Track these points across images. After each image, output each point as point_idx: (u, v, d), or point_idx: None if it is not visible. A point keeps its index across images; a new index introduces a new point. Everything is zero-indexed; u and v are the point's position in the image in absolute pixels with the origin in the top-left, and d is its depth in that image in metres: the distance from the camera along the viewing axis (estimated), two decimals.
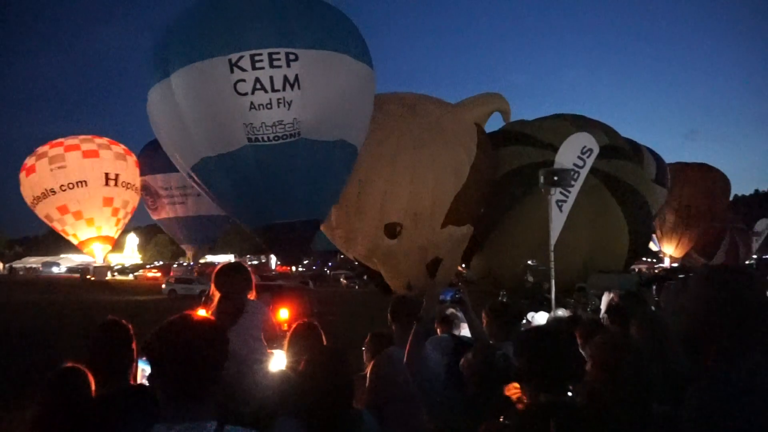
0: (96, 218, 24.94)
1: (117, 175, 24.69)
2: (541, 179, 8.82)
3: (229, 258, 54.60)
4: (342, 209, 11.52)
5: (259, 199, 10.10)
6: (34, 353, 8.36)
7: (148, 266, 50.90)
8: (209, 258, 46.97)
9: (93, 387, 1.95)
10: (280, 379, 2.48)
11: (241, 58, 9.25)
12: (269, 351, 2.99)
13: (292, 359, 2.73)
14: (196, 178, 10.57)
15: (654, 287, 9.12)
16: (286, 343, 2.90)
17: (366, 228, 11.59)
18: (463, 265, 14.66)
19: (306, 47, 9.48)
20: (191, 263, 34.33)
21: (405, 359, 2.67)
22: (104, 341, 2.11)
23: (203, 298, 3.43)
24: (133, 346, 2.17)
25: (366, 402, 2.61)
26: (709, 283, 2.17)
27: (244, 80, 9.32)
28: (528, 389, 1.81)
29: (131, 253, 63.02)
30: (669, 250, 24.23)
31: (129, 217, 26.54)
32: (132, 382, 2.19)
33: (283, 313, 7.40)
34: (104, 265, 36.13)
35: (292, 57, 9.38)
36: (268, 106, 9.42)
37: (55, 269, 56.60)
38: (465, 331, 3.58)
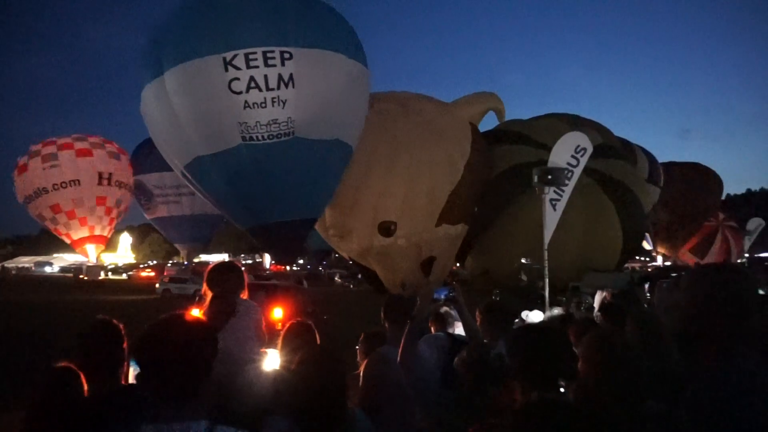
0: (89, 217, 24.80)
1: (110, 174, 24.55)
2: (535, 178, 8.85)
3: (224, 257, 54.44)
4: (336, 208, 11.50)
5: (253, 198, 10.07)
6: (27, 353, 8.32)
7: (141, 266, 50.70)
8: (203, 257, 46.80)
9: (84, 387, 1.93)
10: (273, 379, 2.48)
11: (235, 56, 9.21)
12: (263, 350, 2.98)
13: (286, 359, 2.72)
14: (189, 177, 10.52)
15: (647, 286, 9.18)
16: (279, 342, 2.90)
17: (360, 226, 11.58)
18: (458, 264, 14.69)
19: (301, 46, 9.45)
20: (185, 262, 34.20)
21: (399, 358, 2.67)
22: (95, 341, 2.10)
23: (197, 298, 3.42)
24: (125, 346, 2.16)
25: (359, 401, 2.61)
26: (703, 281, 2.18)
27: (238, 79, 9.28)
28: (520, 387, 1.81)
29: (125, 252, 62.75)
30: (662, 249, 24.38)
31: (122, 216, 26.41)
32: (123, 383, 2.18)
33: (278, 313, 7.39)
34: (97, 264, 35.97)
35: (286, 56, 9.35)
36: (263, 104, 9.38)
37: (47, 269, 56.25)
38: (459, 329, 3.58)
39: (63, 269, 52.46)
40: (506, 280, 11.52)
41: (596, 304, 5.24)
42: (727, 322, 2.52)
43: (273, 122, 9.46)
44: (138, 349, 1.32)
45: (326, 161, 10.11)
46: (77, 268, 41.34)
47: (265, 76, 9.30)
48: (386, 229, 11.30)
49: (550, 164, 9.46)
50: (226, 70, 9.23)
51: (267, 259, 42.19)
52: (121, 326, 2.19)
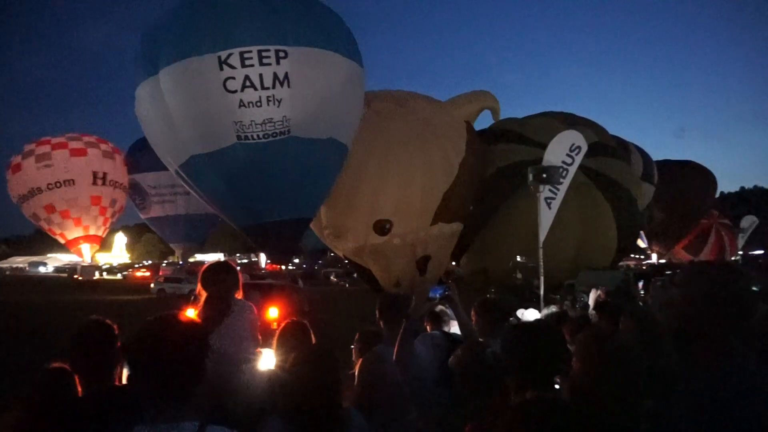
0: (83, 217, 24.65)
1: (105, 174, 24.41)
2: (530, 177, 8.88)
3: (219, 257, 54.35)
4: (331, 207, 11.48)
5: (248, 197, 10.04)
6: (19, 353, 8.28)
7: (136, 265, 50.55)
8: (198, 257, 46.71)
9: (78, 387, 1.93)
10: (268, 379, 2.47)
11: (230, 55, 9.16)
12: (258, 350, 2.97)
13: (281, 358, 2.72)
14: (184, 176, 10.48)
15: (641, 283, 9.22)
16: (274, 342, 2.89)
17: (355, 225, 11.56)
18: (453, 263, 14.70)
19: (296, 45, 9.42)
20: (180, 262, 34.11)
21: (394, 357, 2.67)
22: (88, 341, 2.09)
23: (192, 298, 3.41)
24: (118, 346, 2.15)
25: (355, 400, 2.61)
26: (699, 279, 2.19)
27: (233, 78, 9.23)
28: (515, 386, 1.81)
29: (119, 252, 62.55)
30: (657, 247, 24.47)
31: (117, 216, 26.27)
32: (117, 383, 2.17)
33: (273, 312, 7.38)
34: (92, 264, 35.81)
35: (281, 54, 9.32)
36: (258, 103, 9.35)
37: (42, 269, 56.00)
38: (454, 328, 3.59)
39: (57, 269, 52.26)
40: (502, 279, 11.53)
41: (591, 302, 5.27)
42: (723, 320, 2.53)
43: (268, 121, 9.43)
44: (128, 349, 1.32)
45: (322, 160, 10.09)
46: (72, 268, 41.18)
47: (260, 75, 9.27)
48: (381, 227, 11.28)
49: (545, 163, 9.49)
50: (221, 68, 9.19)
51: (262, 259, 42.13)
52: (114, 326, 2.18)
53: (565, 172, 9.61)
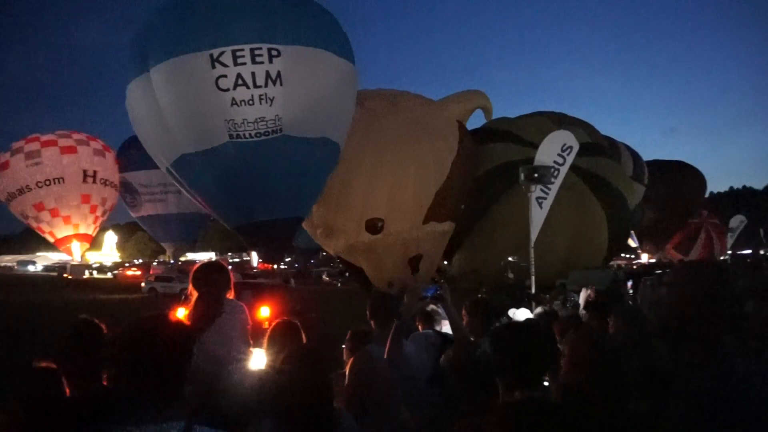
0: (73, 216, 24.42)
1: (95, 172, 24.18)
2: (522, 176, 8.92)
3: (210, 256, 54.13)
4: (324, 205, 11.46)
5: (240, 196, 10.00)
6: (9, 353, 8.19)
7: (127, 264, 50.22)
8: (190, 256, 46.47)
9: (66, 388, 1.91)
10: (259, 378, 2.47)
11: (222, 53, 9.11)
12: (249, 350, 2.97)
13: (272, 358, 2.72)
14: (175, 174, 10.41)
15: (630, 283, 9.28)
16: (265, 341, 2.89)
17: (347, 224, 11.54)
18: (445, 262, 14.72)
19: (289, 43, 9.38)
20: (171, 261, 33.92)
21: (386, 356, 2.67)
22: (76, 341, 2.07)
23: (183, 297, 3.40)
24: (106, 345, 2.14)
25: (345, 400, 2.61)
26: (688, 278, 2.22)
27: (225, 76, 9.18)
28: (503, 385, 1.82)
29: (110, 251, 62.05)
30: (647, 246, 24.65)
31: (107, 214, 26.06)
32: (105, 383, 2.16)
33: (264, 312, 7.36)
34: (82, 263, 35.53)
35: (274, 53, 9.28)
36: (250, 102, 9.30)
37: (31, 267, 55.49)
38: (446, 327, 3.60)
39: (47, 268, 51.82)
40: (494, 278, 11.57)
41: (581, 302, 5.30)
42: (712, 319, 2.56)
43: (260, 120, 9.39)
44: (114, 349, 1.31)
45: (314, 159, 10.07)
46: (61, 267, 40.83)
47: (253, 74, 9.22)
48: (374, 226, 11.28)
49: (536, 162, 9.54)
50: (213, 67, 9.14)
51: (254, 258, 42.02)
52: (103, 326, 2.17)
53: (556, 171, 9.67)
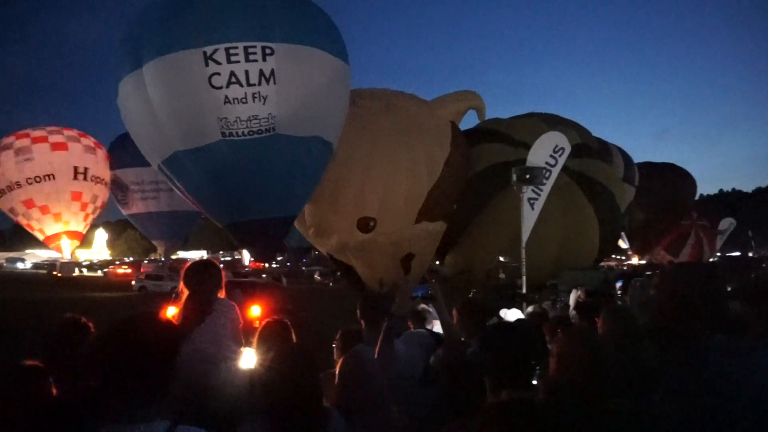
0: (63, 213, 24.19)
1: (86, 169, 23.96)
2: (514, 177, 8.97)
3: (202, 254, 53.88)
4: (315, 204, 11.44)
5: (232, 194, 9.96)
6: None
7: (117, 262, 49.87)
8: (181, 254, 46.24)
9: (52, 387, 1.90)
10: (249, 377, 2.47)
11: (216, 51, 9.07)
12: (239, 349, 2.96)
13: (262, 357, 2.72)
14: (167, 172, 10.35)
15: (619, 284, 9.35)
16: (255, 340, 2.89)
17: (339, 222, 11.53)
18: (437, 262, 14.75)
19: (282, 42, 9.35)
20: (162, 259, 33.74)
21: (376, 356, 2.67)
22: (63, 340, 2.06)
23: (173, 295, 3.39)
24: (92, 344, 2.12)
25: (335, 399, 2.61)
26: (677, 280, 2.25)
27: (218, 74, 9.14)
28: (492, 385, 1.83)
29: (100, 249, 61.62)
30: (637, 248, 24.81)
31: (98, 212, 25.84)
32: (92, 382, 2.14)
33: (255, 310, 7.34)
34: (72, 261, 35.22)
35: (268, 51, 9.25)
36: (243, 100, 9.27)
37: (20, 265, 54.92)
38: (437, 326, 3.61)
39: (36, 265, 51.32)
40: (485, 279, 11.61)
41: (571, 302, 5.33)
42: (699, 320, 2.59)
43: (253, 118, 9.36)
44: (99, 349, 1.31)
45: (307, 158, 10.05)
46: (51, 265, 40.45)
47: (246, 72, 9.19)
48: (365, 225, 11.28)
49: (528, 163, 9.59)
50: (207, 64, 9.09)
51: (246, 257, 41.89)
52: (90, 325, 2.15)
53: (548, 173, 9.73)
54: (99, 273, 43.28)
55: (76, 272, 39.61)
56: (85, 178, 23.82)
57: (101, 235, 62.66)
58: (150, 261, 42.85)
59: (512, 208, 10.11)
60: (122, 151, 22.49)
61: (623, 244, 23.53)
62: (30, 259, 56.88)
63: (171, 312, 3.09)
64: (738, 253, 42.08)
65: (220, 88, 9.13)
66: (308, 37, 9.66)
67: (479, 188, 12.91)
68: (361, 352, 2.80)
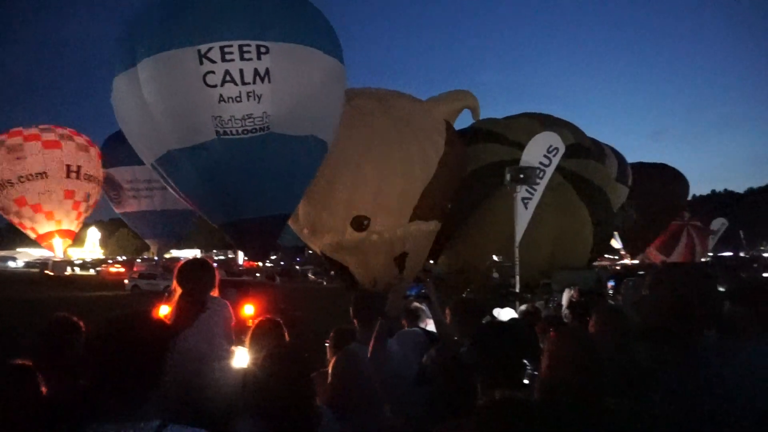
0: (56, 211, 24.04)
1: (79, 167, 23.82)
2: (507, 177, 8.99)
3: (195, 253, 53.68)
4: (309, 202, 11.42)
5: (226, 193, 9.92)
6: None
7: (110, 261, 49.62)
8: (174, 253, 46.05)
9: (42, 386, 1.88)
10: (242, 377, 2.46)
11: (210, 49, 9.02)
12: (231, 348, 2.96)
13: (255, 356, 2.71)
14: (160, 171, 10.30)
15: (611, 283, 9.41)
16: (248, 339, 2.88)
17: (333, 221, 11.52)
18: (431, 261, 14.76)
19: (277, 40, 9.32)
20: (156, 258, 33.59)
21: (369, 355, 2.67)
22: (52, 339, 2.04)
23: (166, 294, 3.38)
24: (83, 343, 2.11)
25: (327, 399, 2.61)
26: (670, 280, 2.26)
27: (213, 72, 9.10)
28: (484, 384, 1.83)
29: (92, 247, 61.27)
30: (630, 247, 24.94)
31: (91, 210, 25.70)
32: (82, 381, 2.13)
33: (249, 309, 7.34)
34: (64, 259, 34.99)
35: (263, 50, 9.21)
36: (238, 99, 9.23)
37: (11, 264, 54.54)
38: (431, 325, 3.61)
39: (28, 264, 50.98)
40: (479, 278, 11.63)
41: (564, 302, 5.36)
42: (692, 319, 2.61)
43: (248, 117, 9.32)
44: (89, 347, 1.30)
45: (301, 157, 10.03)
46: (43, 264, 40.20)
47: (241, 70, 9.15)
48: (359, 223, 11.27)
49: (522, 163, 9.62)
50: (201, 62, 9.05)
51: (240, 256, 41.78)
52: (81, 323, 2.14)
53: (542, 173, 9.76)
54: (91, 272, 43.03)
55: (68, 271, 39.34)
56: (77, 177, 23.68)
57: (94, 234, 62.30)
58: (143, 260, 42.65)
59: (506, 207, 10.14)
60: (115, 150, 22.37)
61: (616, 244, 23.64)
62: (22, 257, 56.51)
63: (164, 311, 3.07)
64: (730, 253, 42.42)
65: (215, 86, 9.10)
66: (303, 36, 9.64)
67: (473, 188, 12.93)
68: (354, 351, 2.80)
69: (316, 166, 10.61)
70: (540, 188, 9.59)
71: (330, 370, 2.80)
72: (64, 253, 29.66)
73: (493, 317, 5.17)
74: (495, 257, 10.26)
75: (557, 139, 10.19)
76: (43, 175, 22.87)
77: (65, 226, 24.77)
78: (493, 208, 12.41)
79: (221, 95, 9.18)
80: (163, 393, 1.36)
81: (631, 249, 24.95)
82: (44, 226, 24.30)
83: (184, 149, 9.57)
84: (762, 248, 62.87)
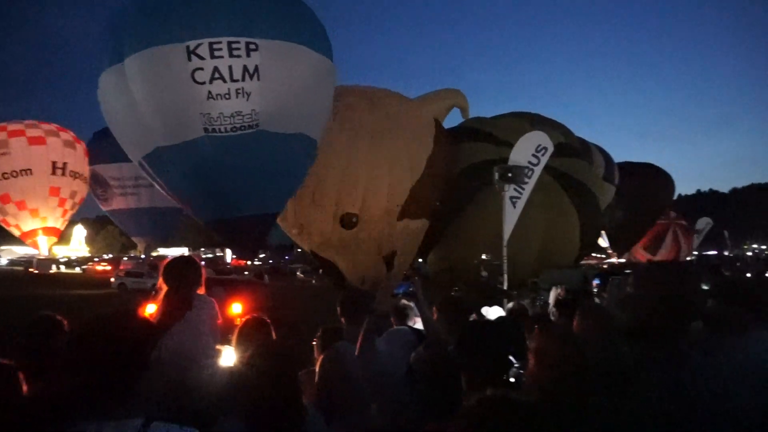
0: (41, 209, 23.71)
1: (65, 164, 23.49)
2: (496, 176, 9.03)
3: (183, 251, 53.28)
4: (297, 200, 11.39)
5: (214, 191, 9.86)
6: None
7: (96, 259, 49.13)
8: (161, 251, 45.68)
9: (23, 386, 1.86)
10: (229, 375, 2.46)
11: (199, 45, 8.95)
12: (218, 347, 2.95)
13: (241, 354, 2.70)
14: (148, 168, 10.21)
15: (596, 282, 9.50)
16: (234, 338, 2.87)
17: (321, 218, 11.51)
18: (420, 260, 14.80)
19: (267, 38, 9.27)
20: (142, 256, 33.28)
21: (356, 353, 2.68)
22: (35, 337, 2.02)
23: (153, 293, 3.36)
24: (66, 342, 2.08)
25: (315, 397, 2.61)
26: (654, 279, 2.29)
27: (202, 69, 9.02)
28: (469, 382, 1.83)
29: (78, 245, 60.59)
30: (617, 246, 25.19)
31: (77, 208, 25.38)
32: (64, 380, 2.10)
33: (236, 308, 7.30)
34: (49, 257, 34.58)
35: (252, 47, 9.16)
36: (227, 96, 9.16)
37: None
38: (419, 323, 3.62)
39: (12, 262, 50.34)
40: (468, 276, 11.68)
41: (551, 300, 5.40)
42: (674, 318, 2.64)
43: (237, 114, 9.27)
44: (72, 345, 1.29)
45: (290, 155, 9.99)
46: (27, 261, 39.71)
47: (230, 67, 9.09)
48: (348, 221, 11.27)
49: (510, 162, 9.67)
50: (189, 59, 8.97)
51: (228, 254, 41.57)
52: (64, 322, 2.12)
53: (530, 172, 9.82)
54: (77, 270, 42.56)
55: (54, 269, 38.90)
56: (63, 174, 23.36)
57: (80, 232, 61.60)
58: (130, 258, 42.26)
59: (495, 206, 10.19)
60: (102, 146, 22.08)
61: (603, 242, 23.87)
62: (6, 255, 55.77)
63: (150, 309, 3.05)
64: (715, 252, 43.02)
65: (203, 83, 9.03)
66: (293, 33, 9.60)
67: (462, 186, 12.97)
68: (341, 350, 2.80)
69: (305, 164, 10.58)
70: (528, 187, 9.65)
71: (317, 369, 2.80)
72: (49, 250, 29.28)
73: (482, 316, 5.20)
74: (483, 256, 10.31)
75: (546, 138, 10.26)
76: (27, 171, 22.54)
77: (50, 223, 24.44)
78: (481, 207, 12.46)
79: (210, 92, 9.11)
80: (148, 391, 1.36)
81: (618, 248, 25.20)
82: (29, 224, 23.95)
83: (172, 146, 9.49)
84: (745, 247, 63.90)
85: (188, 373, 2.54)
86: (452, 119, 15.21)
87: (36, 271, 35.42)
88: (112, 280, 28.58)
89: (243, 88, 9.29)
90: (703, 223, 29.69)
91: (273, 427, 1.81)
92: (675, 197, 27.91)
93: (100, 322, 1.31)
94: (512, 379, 1.97)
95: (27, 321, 2.09)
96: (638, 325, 2.81)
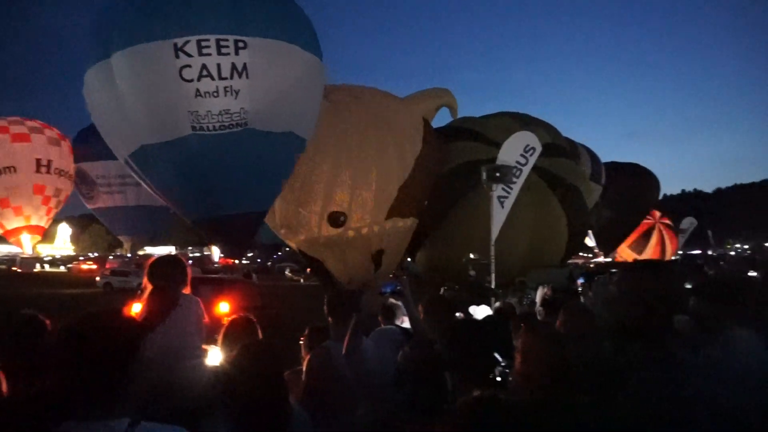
0: (25, 207, 23.40)
1: (49, 162, 23.21)
2: (484, 175, 9.07)
3: (170, 250, 52.91)
4: (285, 198, 11.36)
5: (201, 189, 9.79)
6: None
7: (81, 258, 48.56)
8: (148, 250, 45.25)
9: (4, 385, 1.84)
10: (215, 374, 2.45)
11: (187, 42, 8.87)
12: (204, 346, 2.93)
13: (227, 354, 2.69)
14: (134, 166, 10.11)
15: (581, 281, 9.56)
16: (220, 337, 2.86)
17: (309, 217, 11.49)
18: (408, 259, 14.82)
19: (256, 35, 9.22)
20: (128, 255, 32.96)
21: (343, 352, 2.67)
22: (16, 337, 1.99)
23: (139, 292, 3.33)
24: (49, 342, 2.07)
25: (301, 396, 2.61)
26: (638, 278, 2.31)
27: (189, 66, 8.94)
28: (455, 382, 1.84)
29: (63, 243, 59.81)
30: (603, 245, 25.44)
31: (62, 206, 25.08)
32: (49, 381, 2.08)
33: (224, 307, 7.27)
34: (32, 256, 34.12)
35: (241, 45, 9.10)
36: (215, 94, 9.09)
37: None
38: (407, 323, 3.63)
39: None
40: (456, 276, 11.73)
41: (538, 299, 5.44)
42: (657, 317, 2.68)
43: (225, 112, 9.21)
44: (56, 346, 1.28)
45: (278, 154, 9.95)
46: (10, 260, 39.15)
47: (218, 65, 9.03)
48: (336, 219, 11.26)
49: (499, 162, 9.72)
50: (177, 56, 8.89)
51: (216, 253, 41.32)
52: (47, 321, 2.09)
53: (518, 171, 9.88)
54: (62, 269, 42.02)
55: (37, 268, 38.39)
56: (48, 171, 23.07)
57: (64, 230, 60.83)
58: (116, 257, 41.82)
59: (484, 205, 10.24)
60: (88, 144, 21.85)
61: (590, 241, 24.08)
62: None
63: (136, 309, 3.03)
64: (699, 251, 43.58)
65: (191, 81, 8.96)
66: (282, 31, 9.55)
67: (451, 186, 13.02)
68: (328, 349, 2.80)
69: (293, 163, 10.54)
70: (516, 187, 9.71)
71: (304, 368, 2.79)
72: (33, 249, 28.90)
73: (469, 314, 5.22)
74: (471, 255, 10.35)
75: (534, 138, 10.33)
76: (11, 169, 22.24)
77: (34, 221, 24.12)
78: (469, 207, 12.52)
79: (198, 90, 9.04)
80: (134, 390, 1.35)
81: (605, 247, 25.44)
82: (12, 222, 23.62)
83: (159, 144, 9.40)
84: (729, 246, 64.84)
85: (174, 372, 2.53)
86: (441, 118, 15.26)
87: (19, 270, 34.95)
88: (98, 279, 28.26)
89: (231, 86, 9.23)
90: (688, 222, 30.11)
91: (259, 426, 1.80)
92: (660, 197, 28.27)
93: (85, 321, 1.30)
94: (498, 378, 1.98)
95: (7, 320, 2.06)
96: (621, 323, 2.84)
